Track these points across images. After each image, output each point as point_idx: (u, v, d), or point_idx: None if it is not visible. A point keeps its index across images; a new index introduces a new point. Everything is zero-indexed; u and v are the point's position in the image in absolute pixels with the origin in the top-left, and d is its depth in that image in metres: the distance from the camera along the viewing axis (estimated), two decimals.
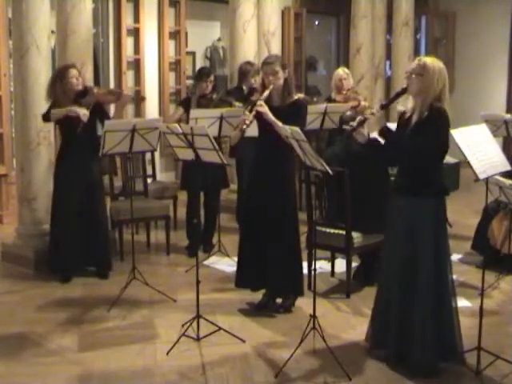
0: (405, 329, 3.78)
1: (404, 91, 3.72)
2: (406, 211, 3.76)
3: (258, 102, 4.44)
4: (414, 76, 3.65)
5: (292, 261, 4.61)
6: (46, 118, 5.24)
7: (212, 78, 6.22)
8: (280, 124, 4.31)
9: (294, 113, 4.45)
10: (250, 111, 4.47)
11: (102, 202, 5.54)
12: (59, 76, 5.21)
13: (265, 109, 4.41)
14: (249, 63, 6.93)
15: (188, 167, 6.05)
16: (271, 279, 4.64)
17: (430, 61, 3.66)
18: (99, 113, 5.26)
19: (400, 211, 3.81)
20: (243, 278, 4.76)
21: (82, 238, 5.38)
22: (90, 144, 5.24)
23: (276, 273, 4.61)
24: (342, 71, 6.97)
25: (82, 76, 5.35)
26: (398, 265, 3.81)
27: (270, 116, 4.40)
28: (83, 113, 5.10)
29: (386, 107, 3.78)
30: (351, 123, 3.74)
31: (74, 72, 5.21)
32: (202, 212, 6.25)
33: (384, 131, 3.71)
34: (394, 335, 3.82)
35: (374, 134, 3.81)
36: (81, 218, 5.35)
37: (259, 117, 4.45)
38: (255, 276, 4.68)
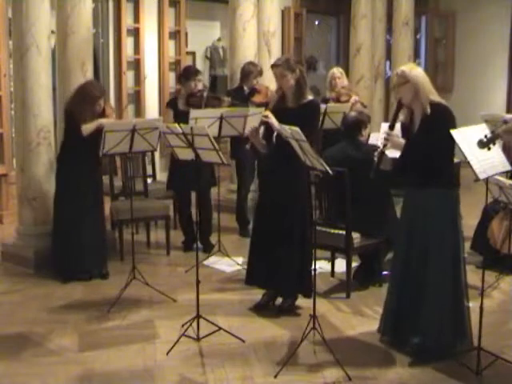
0: (420, 313, 3.89)
1: (401, 105, 3.88)
2: (419, 204, 3.88)
3: (264, 114, 4.47)
4: (402, 87, 3.82)
5: (302, 263, 4.58)
6: (78, 136, 5.24)
7: (200, 76, 6.20)
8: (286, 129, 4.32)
9: (307, 114, 4.44)
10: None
11: (100, 205, 5.51)
12: (88, 100, 5.25)
13: (271, 120, 4.43)
14: (252, 64, 6.91)
15: (174, 168, 6.05)
16: (281, 280, 4.63)
17: (406, 67, 3.88)
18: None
19: (412, 206, 3.94)
20: (253, 276, 4.76)
21: (84, 239, 5.37)
22: (91, 149, 5.26)
23: (286, 274, 4.60)
24: (336, 70, 7.08)
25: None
26: (414, 259, 3.92)
27: (276, 126, 4.40)
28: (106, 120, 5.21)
29: (393, 126, 3.89)
30: (375, 154, 3.89)
31: (101, 102, 5.32)
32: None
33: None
34: (407, 321, 3.95)
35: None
36: (83, 220, 5.35)
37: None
38: (265, 275, 4.67)
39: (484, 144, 3.55)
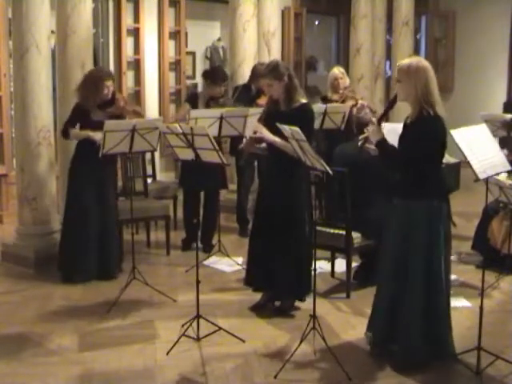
0: (392, 324, 3.83)
1: (395, 100, 3.77)
2: (401, 212, 3.80)
3: (254, 130, 4.50)
4: (397, 84, 3.72)
5: (300, 264, 4.57)
6: (65, 135, 5.32)
7: (226, 82, 6.16)
8: (280, 141, 4.35)
9: (299, 118, 4.41)
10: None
11: (113, 204, 5.50)
12: (93, 83, 5.21)
13: (262, 134, 4.45)
14: (263, 65, 6.86)
15: (185, 166, 6.06)
16: (277, 282, 4.62)
17: (407, 63, 3.65)
18: None
19: (396, 212, 3.85)
20: (250, 278, 4.77)
21: (92, 239, 5.34)
22: (93, 152, 5.26)
23: (283, 276, 4.59)
24: (337, 71, 6.96)
25: (114, 84, 5.39)
26: (391, 264, 3.86)
27: (269, 138, 4.43)
28: (98, 139, 5.05)
29: (382, 120, 3.81)
30: (359, 138, 3.85)
31: (108, 83, 5.25)
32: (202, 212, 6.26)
33: (380, 144, 3.72)
34: (382, 326, 3.90)
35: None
36: (92, 219, 5.33)
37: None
38: (261, 277, 4.67)
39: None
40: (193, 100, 6.18)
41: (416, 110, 3.64)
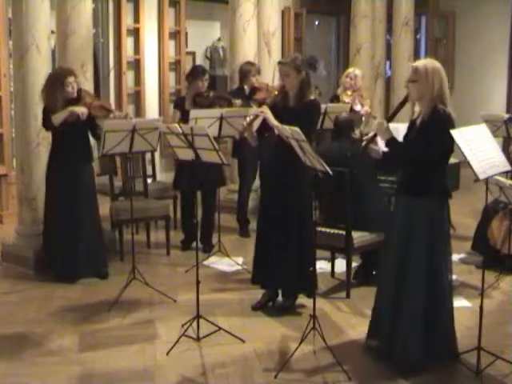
0: (394, 325, 3.81)
1: (406, 99, 3.79)
2: (404, 210, 3.80)
3: (261, 109, 4.46)
4: (410, 84, 3.72)
5: (303, 262, 4.57)
6: (49, 125, 5.23)
7: (207, 76, 6.20)
8: (282, 128, 4.33)
9: (305, 113, 4.43)
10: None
11: (94, 205, 5.47)
12: (56, 82, 5.19)
13: (267, 115, 4.43)
14: (249, 63, 6.95)
15: (179, 167, 6.06)
16: (282, 280, 4.64)
17: (422, 64, 3.70)
18: (89, 123, 5.24)
19: (399, 210, 3.86)
20: (256, 276, 4.78)
21: (74, 239, 5.33)
22: (81, 148, 5.25)
23: (287, 274, 4.60)
24: (351, 70, 7.13)
25: (78, 81, 5.34)
26: (392, 263, 3.85)
27: (272, 121, 4.41)
28: (81, 111, 5.12)
29: (392, 119, 3.84)
30: (364, 137, 3.82)
31: (71, 80, 5.20)
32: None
33: (391, 142, 3.74)
34: (386, 329, 3.85)
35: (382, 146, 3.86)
36: (72, 220, 5.31)
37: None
38: (267, 275, 4.69)
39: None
40: (181, 103, 6.19)
41: (429, 109, 3.67)
